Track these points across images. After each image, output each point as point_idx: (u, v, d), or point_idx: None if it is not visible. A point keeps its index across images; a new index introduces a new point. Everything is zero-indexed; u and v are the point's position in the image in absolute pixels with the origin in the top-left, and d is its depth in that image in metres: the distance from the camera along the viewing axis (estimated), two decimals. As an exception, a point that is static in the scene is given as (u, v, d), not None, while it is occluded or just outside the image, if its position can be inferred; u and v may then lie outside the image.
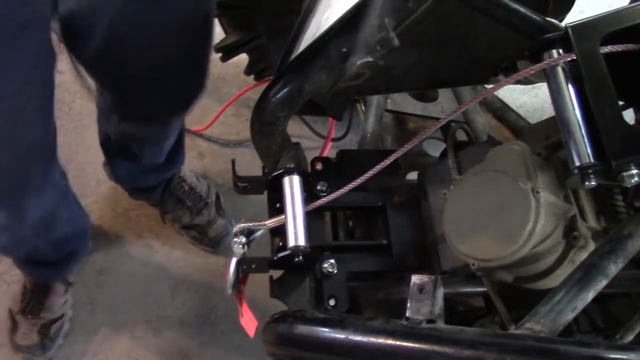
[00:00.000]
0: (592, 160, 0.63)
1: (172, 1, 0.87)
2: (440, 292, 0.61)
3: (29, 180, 0.99)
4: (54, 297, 1.39)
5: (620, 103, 0.67)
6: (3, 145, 0.86)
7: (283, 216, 0.80)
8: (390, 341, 0.55)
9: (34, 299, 1.38)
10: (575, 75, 0.67)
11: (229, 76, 1.74)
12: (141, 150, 1.30)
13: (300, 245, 0.77)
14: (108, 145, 1.36)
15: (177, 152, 1.38)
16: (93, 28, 0.88)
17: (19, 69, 0.78)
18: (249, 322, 0.81)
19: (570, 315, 0.57)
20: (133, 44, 0.92)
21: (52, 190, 1.09)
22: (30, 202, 1.03)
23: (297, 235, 0.78)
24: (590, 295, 0.59)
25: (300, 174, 0.83)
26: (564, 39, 0.68)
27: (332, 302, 0.81)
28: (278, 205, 0.84)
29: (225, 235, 1.48)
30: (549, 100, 0.69)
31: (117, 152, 1.35)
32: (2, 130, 0.84)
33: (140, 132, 1.22)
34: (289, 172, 0.82)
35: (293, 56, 0.86)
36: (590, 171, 0.64)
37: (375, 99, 1.49)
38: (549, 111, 0.72)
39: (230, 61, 1.40)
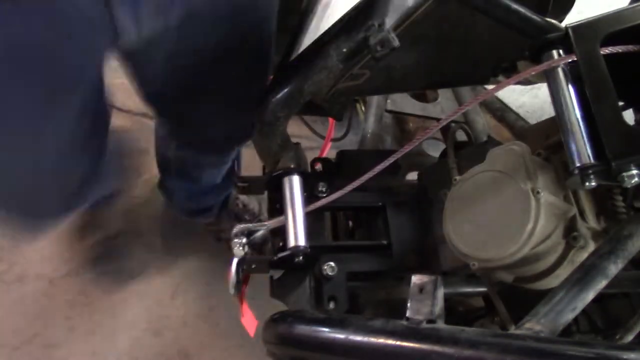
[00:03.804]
0: (592, 160, 0.63)
1: (230, 27, 0.83)
2: (440, 292, 0.61)
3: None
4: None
5: (620, 103, 0.67)
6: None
7: (283, 216, 0.80)
8: (390, 341, 0.55)
9: None
10: (575, 75, 0.67)
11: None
12: (200, 174, 1.29)
13: (300, 246, 0.77)
14: (166, 166, 1.35)
15: (233, 171, 1.37)
16: (154, 61, 0.87)
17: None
18: (249, 322, 0.82)
19: (570, 316, 0.57)
20: (192, 72, 0.89)
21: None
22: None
23: (297, 236, 0.78)
24: (590, 295, 0.59)
25: (300, 174, 0.83)
26: (564, 40, 0.68)
27: (331, 305, 0.81)
28: (278, 205, 0.84)
29: None
30: (548, 100, 0.69)
31: (175, 174, 1.34)
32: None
33: (200, 159, 1.22)
34: (289, 172, 0.82)
35: (293, 56, 0.86)
36: (590, 171, 0.64)
37: (375, 99, 1.49)
38: (548, 111, 0.71)
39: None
